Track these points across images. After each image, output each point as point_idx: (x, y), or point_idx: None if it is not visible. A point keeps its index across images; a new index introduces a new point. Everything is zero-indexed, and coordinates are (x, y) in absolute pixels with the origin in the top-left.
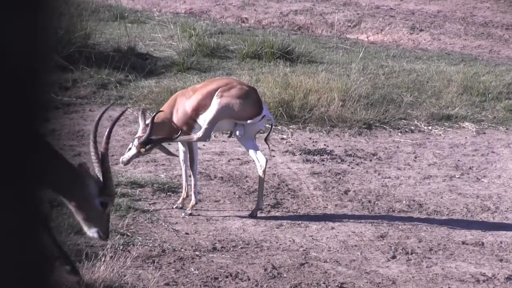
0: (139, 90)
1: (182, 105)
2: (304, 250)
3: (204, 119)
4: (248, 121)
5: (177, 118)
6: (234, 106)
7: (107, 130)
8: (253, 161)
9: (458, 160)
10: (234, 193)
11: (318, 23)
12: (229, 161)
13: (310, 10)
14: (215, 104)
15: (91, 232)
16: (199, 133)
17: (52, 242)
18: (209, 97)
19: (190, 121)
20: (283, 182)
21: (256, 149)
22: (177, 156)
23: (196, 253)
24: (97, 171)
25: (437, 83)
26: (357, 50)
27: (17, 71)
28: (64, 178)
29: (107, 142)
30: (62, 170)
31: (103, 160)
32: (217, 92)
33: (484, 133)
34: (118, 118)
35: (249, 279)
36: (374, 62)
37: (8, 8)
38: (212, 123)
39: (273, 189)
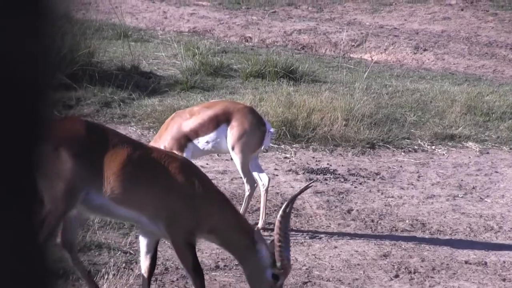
0: (142, 108)
1: (178, 125)
2: (307, 269)
3: (205, 143)
4: (263, 147)
5: (170, 136)
6: (249, 144)
7: (289, 201)
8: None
9: (462, 180)
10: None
11: (321, 43)
12: (232, 179)
13: (314, 29)
14: (235, 156)
15: None
16: (248, 188)
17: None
18: (208, 122)
19: (183, 141)
20: (286, 201)
21: (259, 168)
22: None
23: None
24: (275, 240)
25: (441, 102)
26: (361, 69)
27: (17, 89)
28: (239, 241)
29: (285, 212)
30: (238, 234)
31: (280, 230)
32: (228, 141)
33: (488, 153)
34: (302, 191)
35: None
36: (378, 81)
37: (8, 21)
38: (246, 172)
39: (276, 208)
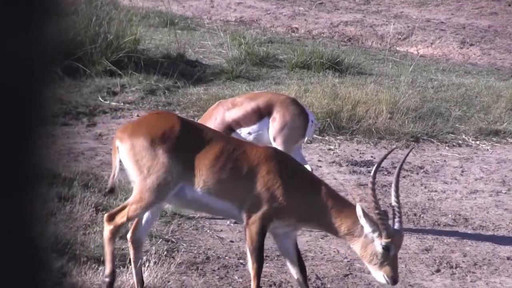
0: (187, 97)
1: (221, 114)
2: (348, 261)
3: (247, 134)
4: (306, 138)
5: (213, 125)
6: (290, 135)
7: (374, 168)
8: None
9: (505, 176)
10: None
11: (368, 35)
12: None
13: (361, 21)
14: (277, 147)
15: (377, 275)
16: None
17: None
18: (250, 114)
19: (225, 131)
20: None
21: (302, 159)
22: None
23: (241, 261)
24: (375, 212)
25: (486, 98)
26: (407, 62)
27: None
28: (340, 223)
29: (374, 180)
30: (336, 216)
31: (375, 198)
32: (270, 133)
33: None
34: (385, 157)
35: None
36: (423, 75)
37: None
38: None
39: None
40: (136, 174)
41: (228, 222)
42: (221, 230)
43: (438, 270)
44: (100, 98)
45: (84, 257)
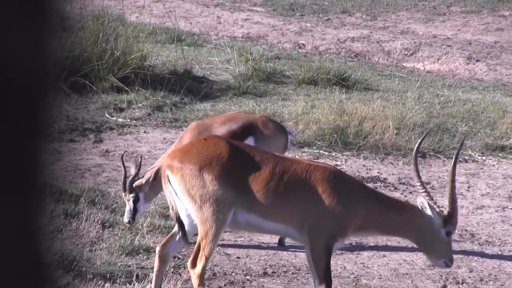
0: (194, 113)
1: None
2: (355, 277)
3: None
4: (288, 147)
5: None
6: (276, 151)
7: (414, 150)
8: None
9: (511, 191)
10: None
11: (375, 51)
12: None
13: (367, 37)
14: None
15: (438, 263)
16: None
17: None
18: (235, 134)
19: None
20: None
21: None
22: None
23: (247, 277)
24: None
25: (492, 113)
26: (413, 78)
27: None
28: (405, 218)
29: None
30: (403, 213)
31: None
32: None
33: None
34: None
35: None
36: (430, 91)
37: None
38: None
39: None
40: (191, 205)
41: (235, 238)
42: (228, 247)
43: (444, 286)
44: (106, 115)
45: (90, 274)
